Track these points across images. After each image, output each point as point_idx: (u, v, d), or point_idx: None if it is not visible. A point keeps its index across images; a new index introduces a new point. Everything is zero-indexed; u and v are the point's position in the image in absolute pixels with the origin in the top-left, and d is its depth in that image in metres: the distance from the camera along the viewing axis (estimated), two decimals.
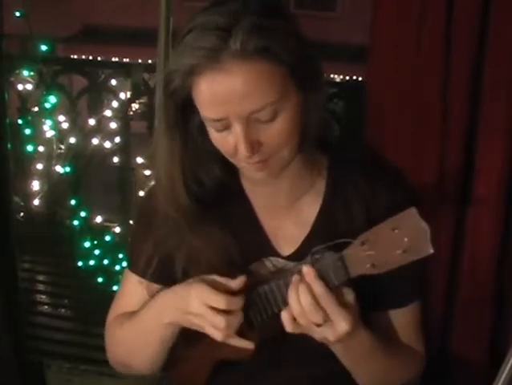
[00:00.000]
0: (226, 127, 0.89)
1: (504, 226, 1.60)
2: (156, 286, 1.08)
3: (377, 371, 1.04)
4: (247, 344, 0.98)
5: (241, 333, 0.96)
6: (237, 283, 0.96)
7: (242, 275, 0.97)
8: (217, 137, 0.92)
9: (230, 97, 0.84)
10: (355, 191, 1.04)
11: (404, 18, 1.55)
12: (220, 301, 0.92)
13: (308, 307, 0.87)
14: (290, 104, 0.88)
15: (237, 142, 0.89)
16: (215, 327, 0.94)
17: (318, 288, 0.87)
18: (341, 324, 0.87)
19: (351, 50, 6.06)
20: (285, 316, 0.89)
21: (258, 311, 0.98)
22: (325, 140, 1.02)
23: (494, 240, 1.60)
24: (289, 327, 0.90)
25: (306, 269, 0.88)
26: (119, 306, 1.15)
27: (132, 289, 1.12)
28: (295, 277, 0.89)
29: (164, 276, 1.05)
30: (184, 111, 0.93)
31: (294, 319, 0.89)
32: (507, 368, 0.99)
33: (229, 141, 0.90)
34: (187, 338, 1.04)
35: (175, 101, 0.91)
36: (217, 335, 0.94)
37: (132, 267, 1.11)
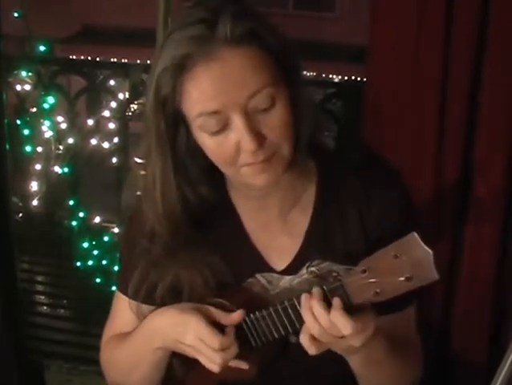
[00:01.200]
0: (224, 126, 0.87)
1: (504, 227, 1.60)
2: (146, 307, 1.07)
3: (389, 374, 1.02)
4: (244, 365, 0.98)
5: (240, 354, 0.96)
6: (231, 320, 0.96)
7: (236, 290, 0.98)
8: (212, 145, 0.90)
9: (227, 84, 0.84)
10: (347, 194, 1.02)
11: (403, 17, 1.54)
12: (214, 342, 0.93)
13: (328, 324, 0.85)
14: (283, 95, 0.89)
15: (241, 138, 0.87)
16: (210, 361, 0.95)
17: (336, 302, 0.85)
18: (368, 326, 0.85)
19: (350, 51, 6.06)
20: (305, 341, 0.87)
21: (257, 335, 0.97)
22: (313, 144, 0.99)
23: (495, 240, 1.60)
24: (312, 350, 0.87)
25: (317, 292, 0.86)
26: (113, 328, 1.15)
27: (123, 311, 1.11)
28: (305, 301, 0.87)
29: (154, 297, 1.04)
30: (173, 127, 0.92)
31: (314, 339, 0.87)
32: (506, 366, 0.98)
33: (228, 143, 0.88)
34: (186, 360, 1.02)
35: (165, 113, 0.90)
36: (212, 368, 0.95)
37: (123, 290, 1.10)
